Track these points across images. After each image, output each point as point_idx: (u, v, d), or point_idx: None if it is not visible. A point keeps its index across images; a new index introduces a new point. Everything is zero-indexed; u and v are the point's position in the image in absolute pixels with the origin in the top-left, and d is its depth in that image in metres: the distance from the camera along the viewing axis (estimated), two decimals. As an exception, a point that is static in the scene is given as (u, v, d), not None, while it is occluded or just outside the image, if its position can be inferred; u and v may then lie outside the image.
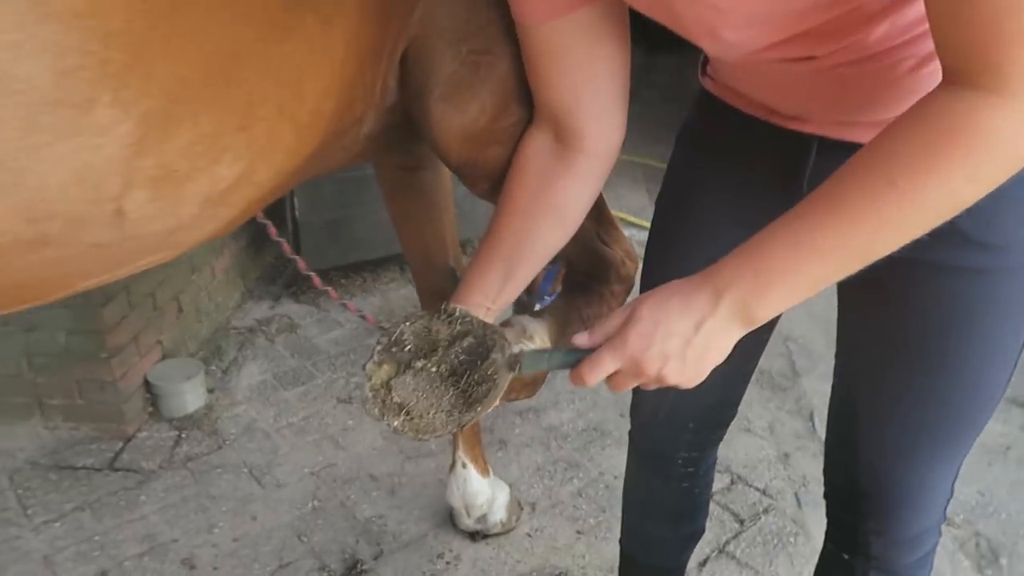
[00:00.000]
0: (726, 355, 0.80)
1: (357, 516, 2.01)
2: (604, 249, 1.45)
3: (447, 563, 1.86)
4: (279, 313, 3.05)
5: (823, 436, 2.40)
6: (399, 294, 3.24)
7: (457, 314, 0.98)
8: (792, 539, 1.97)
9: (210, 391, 2.50)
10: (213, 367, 2.64)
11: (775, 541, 1.96)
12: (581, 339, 0.84)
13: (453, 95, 1.07)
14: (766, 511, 2.06)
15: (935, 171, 0.67)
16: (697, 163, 1.12)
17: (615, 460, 2.24)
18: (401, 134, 1.20)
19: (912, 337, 0.94)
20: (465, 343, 0.96)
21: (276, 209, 3.20)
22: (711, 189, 1.09)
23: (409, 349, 0.97)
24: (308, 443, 2.29)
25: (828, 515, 1.18)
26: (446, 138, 1.11)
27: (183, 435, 2.30)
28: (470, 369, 0.95)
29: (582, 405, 2.50)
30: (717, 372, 0.81)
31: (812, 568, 1.90)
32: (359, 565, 1.84)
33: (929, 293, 0.92)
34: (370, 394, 0.98)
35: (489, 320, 1.04)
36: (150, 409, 2.38)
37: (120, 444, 2.24)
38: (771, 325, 1.11)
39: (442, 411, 0.94)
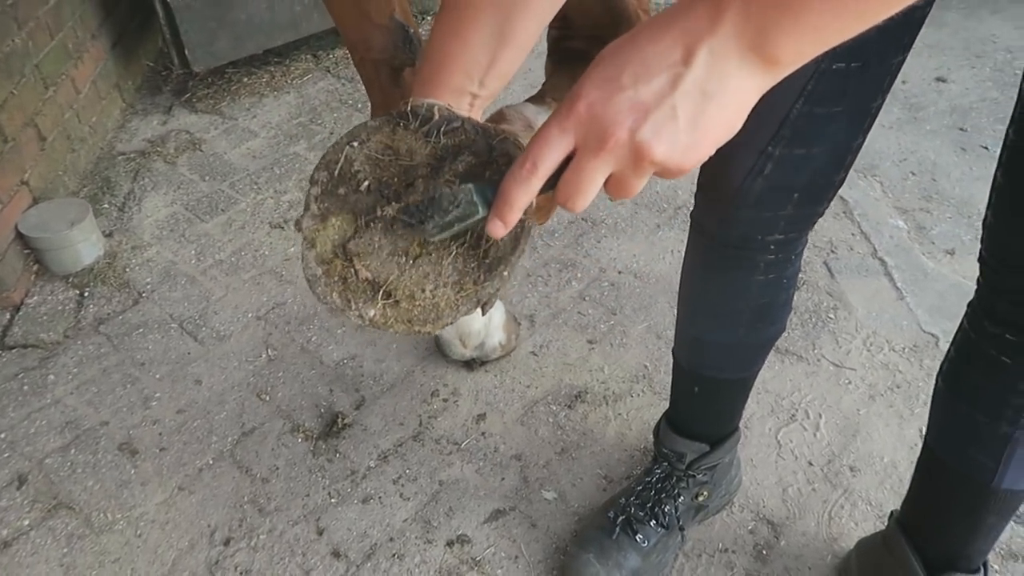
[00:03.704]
0: (742, 111, 0.49)
1: (324, 361, 1.66)
2: None
3: (444, 401, 1.56)
4: (174, 128, 2.48)
5: (843, 193, 1.95)
6: (318, 87, 2.68)
7: (437, 116, 0.59)
8: (831, 314, 1.72)
9: (107, 235, 2.01)
10: (105, 205, 2.13)
11: (813, 320, 1.71)
12: None
13: None
14: (796, 287, 1.79)
15: None
16: None
17: (615, 252, 1.91)
18: None
19: None
20: (460, 163, 0.59)
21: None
22: None
23: (368, 187, 0.61)
24: (246, 282, 1.87)
25: (989, 289, 0.89)
26: None
27: (86, 294, 1.85)
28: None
29: (563, 193, 2.13)
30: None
31: (860, 343, 1.70)
32: (340, 419, 1.52)
33: None
34: (318, 270, 0.60)
35: (476, 117, 0.66)
36: (35, 268, 1.90)
37: (7, 316, 1.79)
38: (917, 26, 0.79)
39: (446, 283, 0.59)
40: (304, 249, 0.60)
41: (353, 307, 0.60)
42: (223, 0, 2.47)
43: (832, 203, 0.95)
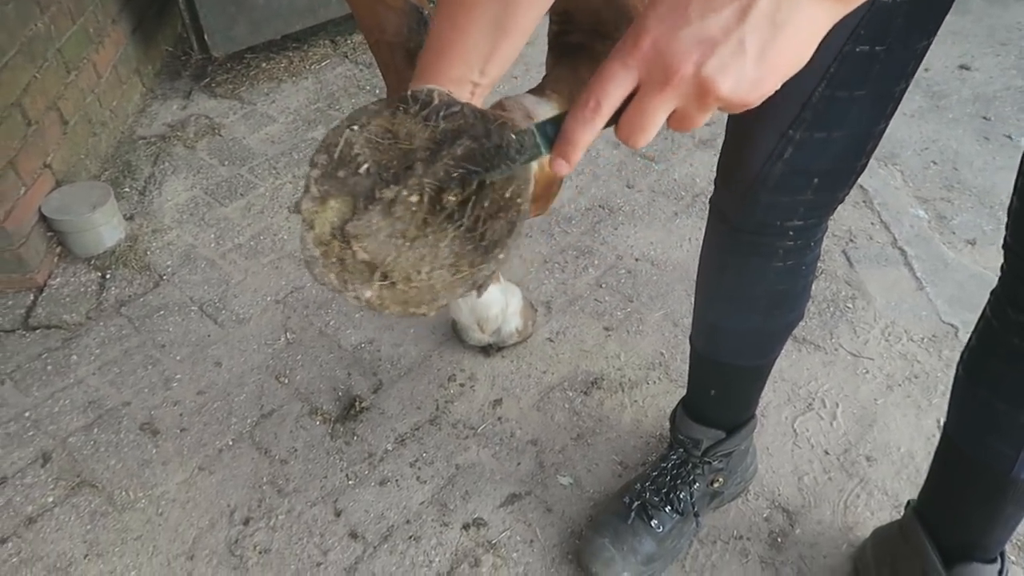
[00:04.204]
0: (812, 43, 0.48)
1: (342, 345, 1.67)
2: None
3: (461, 386, 1.57)
4: (194, 113, 2.49)
5: (863, 182, 1.94)
6: (336, 73, 2.69)
7: (436, 101, 0.60)
8: (850, 304, 1.71)
9: (128, 218, 2.04)
10: (126, 188, 2.15)
11: (831, 309, 1.70)
12: None
13: None
14: (815, 275, 1.78)
15: None
16: None
17: (632, 239, 1.91)
18: None
19: None
20: (459, 148, 0.59)
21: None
22: None
23: (368, 170, 0.62)
24: (265, 266, 1.89)
25: (1012, 276, 0.88)
26: None
27: (108, 276, 1.87)
28: (476, 190, 0.60)
29: (580, 180, 2.13)
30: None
31: (878, 333, 1.69)
32: (357, 402, 1.54)
33: None
34: (316, 251, 0.61)
35: (476, 105, 0.66)
36: (58, 250, 1.92)
37: (31, 297, 1.82)
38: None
39: (442, 265, 0.60)
40: (303, 230, 0.61)
41: (350, 288, 0.60)
42: (242, -15, 2.48)
43: (852, 191, 0.94)
